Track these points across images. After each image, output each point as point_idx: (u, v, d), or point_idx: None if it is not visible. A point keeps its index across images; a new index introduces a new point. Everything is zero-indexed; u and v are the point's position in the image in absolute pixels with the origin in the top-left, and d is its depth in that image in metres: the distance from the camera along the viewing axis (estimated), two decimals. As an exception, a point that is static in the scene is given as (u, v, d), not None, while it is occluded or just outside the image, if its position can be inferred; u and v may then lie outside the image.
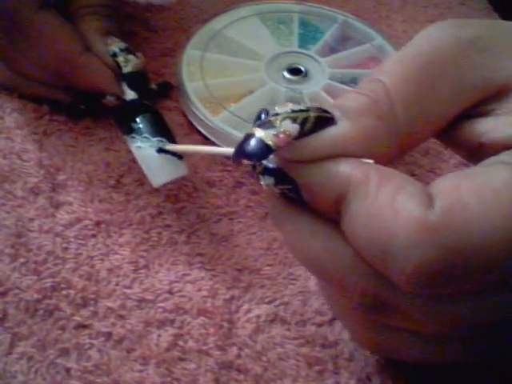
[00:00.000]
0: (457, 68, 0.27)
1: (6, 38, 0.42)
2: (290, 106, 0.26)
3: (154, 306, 0.37)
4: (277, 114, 0.26)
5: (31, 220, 0.40)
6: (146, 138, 0.39)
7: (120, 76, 0.44)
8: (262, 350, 0.35)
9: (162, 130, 0.40)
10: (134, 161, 0.42)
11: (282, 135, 0.25)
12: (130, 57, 0.44)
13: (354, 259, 0.26)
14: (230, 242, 0.40)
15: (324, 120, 0.26)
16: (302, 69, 0.50)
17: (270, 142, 0.25)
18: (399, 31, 0.57)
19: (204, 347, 0.35)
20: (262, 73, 0.49)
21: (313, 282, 0.38)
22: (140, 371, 0.34)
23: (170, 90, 0.49)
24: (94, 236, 0.40)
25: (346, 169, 0.25)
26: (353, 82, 0.50)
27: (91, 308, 0.36)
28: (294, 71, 0.50)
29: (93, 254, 0.39)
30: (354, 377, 0.34)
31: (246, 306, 0.37)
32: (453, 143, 0.30)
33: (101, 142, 0.45)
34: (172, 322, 0.36)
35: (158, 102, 0.48)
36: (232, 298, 0.37)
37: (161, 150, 0.38)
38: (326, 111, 0.26)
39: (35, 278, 0.37)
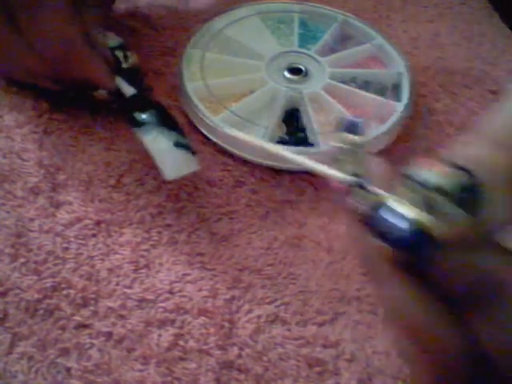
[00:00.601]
0: None
1: (9, 28, 0.42)
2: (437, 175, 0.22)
3: (155, 305, 0.37)
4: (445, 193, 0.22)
5: (31, 220, 0.40)
6: (162, 130, 0.39)
7: (118, 71, 0.44)
8: (263, 350, 0.35)
9: (173, 122, 0.40)
10: (134, 160, 0.42)
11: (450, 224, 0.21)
12: (128, 53, 0.44)
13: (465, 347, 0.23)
14: (230, 242, 0.40)
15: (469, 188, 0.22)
16: (303, 68, 0.50)
17: (434, 231, 0.21)
18: (399, 31, 0.57)
19: (205, 347, 0.35)
20: (263, 72, 0.49)
21: (313, 282, 0.38)
22: (141, 371, 0.34)
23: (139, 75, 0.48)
24: (94, 236, 0.40)
25: (499, 269, 0.22)
26: (353, 81, 0.50)
27: (91, 308, 0.36)
28: (295, 71, 0.50)
29: (93, 253, 0.39)
30: (354, 377, 0.34)
31: (246, 306, 0.37)
32: None
33: (101, 141, 0.45)
34: (173, 321, 0.36)
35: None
36: (232, 298, 0.37)
37: (177, 144, 0.38)
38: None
39: (35, 277, 0.37)
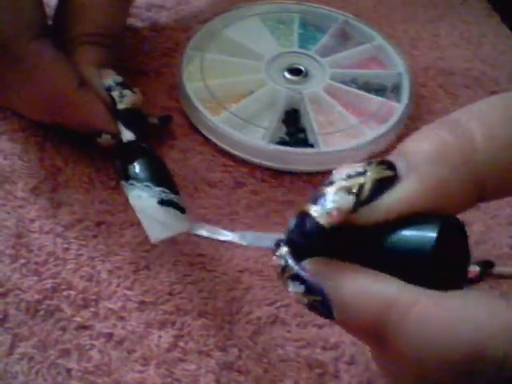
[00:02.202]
0: None
1: None
2: (346, 171, 0.24)
3: (155, 307, 0.37)
4: (331, 183, 0.23)
5: (32, 221, 0.40)
6: (147, 186, 0.36)
7: (114, 112, 0.41)
8: (263, 352, 0.35)
9: (162, 177, 0.37)
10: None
11: (334, 213, 0.23)
12: (126, 91, 0.41)
13: None
14: (230, 243, 0.40)
15: (384, 181, 0.23)
16: (303, 69, 0.50)
17: (322, 223, 0.23)
18: (399, 31, 0.57)
19: (204, 348, 0.35)
20: (263, 73, 0.49)
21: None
22: (141, 372, 0.34)
23: (170, 123, 0.47)
24: (94, 237, 0.40)
25: (391, 290, 0.22)
26: (353, 82, 0.50)
27: (92, 309, 0.37)
28: (295, 71, 0.50)
29: (94, 254, 0.39)
30: (354, 380, 0.34)
31: (246, 308, 0.37)
32: None
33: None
34: (173, 323, 0.36)
35: (157, 105, 0.48)
36: (233, 299, 0.38)
37: (162, 202, 0.35)
38: (387, 167, 0.23)
39: (36, 278, 0.38)
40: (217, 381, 0.34)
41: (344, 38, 0.54)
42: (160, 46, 0.53)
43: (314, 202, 0.23)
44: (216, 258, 0.39)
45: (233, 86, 0.49)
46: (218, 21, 0.53)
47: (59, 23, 0.43)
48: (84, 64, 0.41)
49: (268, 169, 0.44)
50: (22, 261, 0.38)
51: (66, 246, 0.39)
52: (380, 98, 0.48)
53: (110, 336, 0.36)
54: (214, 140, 0.45)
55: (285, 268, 0.25)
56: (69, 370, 0.34)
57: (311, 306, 0.24)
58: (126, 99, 0.41)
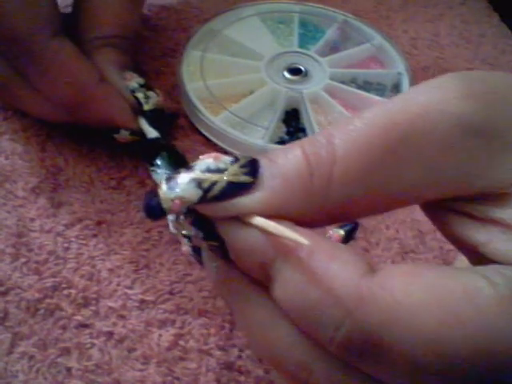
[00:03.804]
0: (434, 164, 0.23)
1: (12, 69, 0.40)
2: (209, 163, 0.24)
3: (155, 306, 0.37)
4: (190, 168, 0.23)
5: (32, 220, 0.40)
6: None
7: (140, 113, 0.42)
8: (263, 351, 0.35)
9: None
10: (136, 165, 0.43)
11: (177, 201, 0.23)
12: (150, 93, 0.42)
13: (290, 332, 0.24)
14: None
15: (239, 186, 0.23)
16: (302, 69, 0.50)
17: (164, 206, 0.23)
18: (399, 31, 0.57)
19: (205, 347, 0.35)
20: (263, 73, 0.49)
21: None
22: (141, 370, 0.34)
23: (177, 120, 0.48)
24: (95, 236, 0.40)
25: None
26: (353, 81, 0.50)
27: (92, 308, 0.37)
28: (295, 71, 0.50)
29: (94, 253, 0.39)
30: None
31: (246, 307, 0.37)
32: (446, 233, 0.26)
33: (104, 145, 0.45)
34: (173, 322, 0.36)
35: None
36: (233, 298, 0.38)
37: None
38: (249, 171, 0.23)
39: (36, 277, 0.38)
40: (217, 380, 0.34)
41: (344, 37, 0.54)
42: (160, 46, 0.53)
43: (167, 181, 0.24)
44: (216, 257, 0.39)
45: (233, 86, 0.49)
46: (218, 21, 0.53)
47: (74, 26, 0.43)
48: (105, 66, 0.42)
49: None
50: (23, 260, 0.38)
51: (66, 245, 0.39)
52: (380, 98, 0.48)
53: (110, 335, 0.36)
54: (214, 140, 0.46)
55: (178, 219, 0.26)
56: (69, 369, 0.34)
57: (211, 249, 0.25)
58: (151, 100, 0.42)
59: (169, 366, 0.35)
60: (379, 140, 0.23)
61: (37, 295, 0.37)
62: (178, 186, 0.23)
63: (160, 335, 0.36)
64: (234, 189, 0.23)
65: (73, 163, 0.43)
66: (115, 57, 0.43)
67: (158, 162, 0.40)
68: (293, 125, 0.47)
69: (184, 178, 0.23)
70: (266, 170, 0.23)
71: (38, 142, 0.45)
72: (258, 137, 0.45)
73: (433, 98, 0.23)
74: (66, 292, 0.37)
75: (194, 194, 0.23)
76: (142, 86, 0.42)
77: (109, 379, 0.34)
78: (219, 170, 0.23)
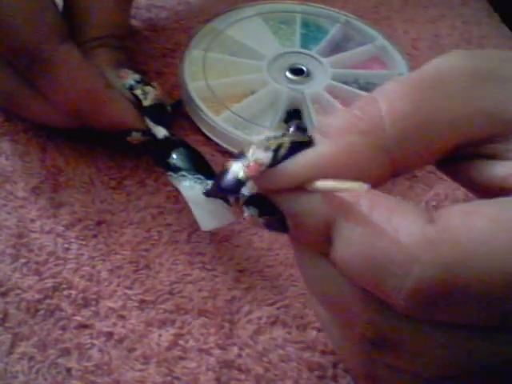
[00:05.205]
0: (463, 97, 0.25)
1: (19, 78, 0.40)
2: (266, 134, 0.25)
3: (155, 306, 0.37)
4: (252, 141, 0.25)
5: (32, 220, 0.40)
6: (198, 178, 0.37)
7: (141, 110, 0.41)
8: (264, 351, 0.35)
9: (203, 167, 0.38)
10: (136, 165, 0.42)
11: (252, 164, 0.25)
12: (148, 88, 0.42)
13: (354, 290, 0.25)
14: (230, 242, 0.40)
15: (301, 144, 0.25)
16: (304, 69, 0.50)
17: (241, 174, 0.25)
18: (400, 31, 0.57)
19: (205, 346, 0.35)
20: (264, 73, 0.49)
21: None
22: (141, 370, 0.34)
23: (182, 107, 0.47)
24: (95, 236, 0.40)
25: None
26: (355, 82, 0.50)
27: (92, 308, 0.37)
28: (296, 71, 0.50)
29: (94, 254, 0.39)
30: (351, 386, 0.34)
31: (246, 308, 0.37)
32: (463, 181, 0.28)
33: (104, 146, 0.44)
34: (173, 322, 0.36)
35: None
36: (233, 298, 0.37)
37: (208, 193, 0.36)
38: (303, 135, 0.25)
39: (36, 278, 0.37)
40: (217, 379, 0.34)
41: (346, 38, 0.54)
42: (160, 46, 0.53)
43: (235, 159, 0.25)
44: (216, 257, 0.39)
45: (234, 86, 0.49)
46: (220, 20, 0.53)
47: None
48: (102, 65, 0.42)
49: (269, 168, 0.44)
50: (23, 260, 0.38)
51: (66, 245, 0.39)
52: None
53: (110, 335, 0.36)
54: (216, 139, 0.46)
55: (237, 198, 0.27)
56: (69, 370, 0.34)
57: (267, 224, 0.26)
58: (149, 96, 0.41)
59: (169, 365, 0.34)
60: (412, 90, 0.26)
61: (37, 296, 0.37)
62: (248, 155, 0.25)
63: (160, 335, 0.36)
64: (298, 147, 0.25)
65: (73, 164, 0.43)
66: (110, 56, 0.43)
67: (174, 157, 0.39)
68: (294, 125, 0.47)
69: (250, 149, 0.25)
70: (320, 127, 0.26)
71: (39, 143, 0.44)
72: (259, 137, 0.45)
73: (442, 61, 0.26)
74: (66, 292, 0.37)
75: (265, 156, 0.25)
76: (139, 82, 0.42)
77: (109, 379, 0.34)
78: (279, 137, 0.25)
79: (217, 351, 0.35)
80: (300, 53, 0.52)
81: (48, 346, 0.35)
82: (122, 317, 0.36)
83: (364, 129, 0.25)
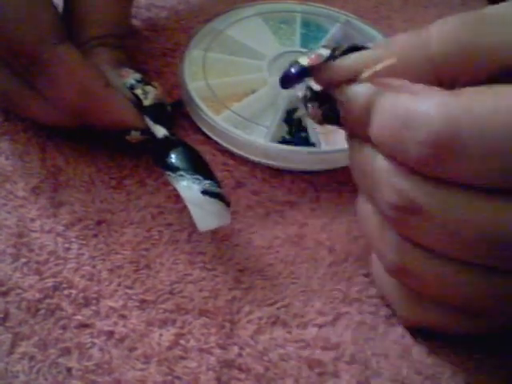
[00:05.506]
0: (501, 30, 0.29)
1: (18, 79, 0.41)
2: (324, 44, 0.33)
3: (156, 306, 0.37)
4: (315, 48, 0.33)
5: (33, 220, 0.40)
6: (197, 179, 0.37)
7: (141, 110, 0.41)
8: (264, 350, 0.35)
9: (207, 170, 0.38)
10: (136, 165, 0.42)
11: (313, 56, 0.32)
12: (148, 88, 0.42)
13: (385, 163, 0.29)
14: (231, 241, 0.40)
15: (356, 48, 0.32)
16: (304, 68, 0.50)
17: (304, 62, 0.32)
18: (400, 31, 0.56)
19: (205, 346, 0.35)
20: (265, 72, 0.49)
21: (315, 281, 0.38)
22: (142, 370, 0.34)
23: (183, 107, 0.47)
24: (95, 236, 0.40)
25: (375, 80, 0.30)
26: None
27: (93, 307, 0.36)
28: (296, 71, 0.50)
29: (94, 253, 0.39)
30: (353, 380, 0.34)
31: (247, 308, 0.37)
32: None
33: (104, 146, 0.44)
34: (173, 321, 0.36)
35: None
36: (233, 298, 0.37)
37: (211, 194, 0.36)
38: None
39: (37, 277, 0.37)
40: (217, 378, 0.34)
41: (346, 37, 0.54)
42: (160, 46, 0.53)
43: (304, 54, 0.33)
44: (217, 256, 0.39)
45: (235, 85, 0.49)
46: (220, 20, 0.53)
47: (67, 28, 0.42)
48: (102, 65, 0.42)
49: (269, 168, 0.44)
50: (23, 260, 0.38)
51: (66, 245, 0.39)
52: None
53: (110, 334, 0.35)
54: (216, 139, 0.46)
55: (305, 97, 0.34)
56: (69, 369, 0.34)
57: (325, 115, 0.33)
58: (149, 95, 0.41)
59: (169, 365, 0.34)
60: (463, 21, 0.31)
61: (37, 295, 0.37)
62: (313, 50, 0.33)
63: (161, 335, 0.36)
64: (354, 48, 0.32)
65: (73, 163, 0.43)
66: (110, 55, 0.43)
67: (173, 156, 0.39)
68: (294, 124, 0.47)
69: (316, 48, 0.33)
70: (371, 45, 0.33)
71: (39, 143, 0.44)
72: (259, 136, 0.45)
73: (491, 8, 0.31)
74: (66, 292, 0.37)
75: (326, 51, 0.32)
76: (139, 81, 0.42)
77: (109, 379, 0.34)
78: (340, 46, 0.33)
79: (217, 351, 0.35)
80: (300, 52, 0.52)
81: (48, 345, 0.35)
82: (122, 316, 0.36)
83: (416, 44, 0.31)
